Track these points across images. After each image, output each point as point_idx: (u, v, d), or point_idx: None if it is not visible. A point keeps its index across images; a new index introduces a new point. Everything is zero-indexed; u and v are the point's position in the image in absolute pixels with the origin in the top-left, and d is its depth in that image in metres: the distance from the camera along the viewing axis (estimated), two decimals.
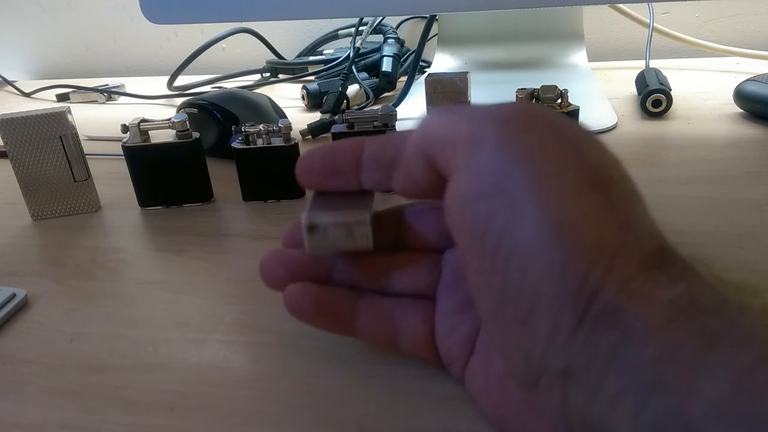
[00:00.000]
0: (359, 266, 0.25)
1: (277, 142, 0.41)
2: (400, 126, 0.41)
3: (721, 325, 0.15)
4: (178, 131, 0.41)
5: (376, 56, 0.71)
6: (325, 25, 0.88)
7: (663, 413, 0.14)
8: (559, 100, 0.39)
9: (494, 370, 0.21)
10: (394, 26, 0.78)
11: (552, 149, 0.18)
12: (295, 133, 0.43)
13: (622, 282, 0.16)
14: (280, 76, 0.81)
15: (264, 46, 0.84)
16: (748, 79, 0.54)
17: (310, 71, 0.78)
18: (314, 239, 0.23)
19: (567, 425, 0.17)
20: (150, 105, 0.76)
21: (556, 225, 0.17)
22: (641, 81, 0.60)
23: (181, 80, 0.78)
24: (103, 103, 0.80)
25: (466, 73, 0.40)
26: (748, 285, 0.17)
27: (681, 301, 0.16)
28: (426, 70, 0.73)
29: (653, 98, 0.55)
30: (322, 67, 0.76)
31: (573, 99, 0.39)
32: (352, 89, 0.65)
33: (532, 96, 0.39)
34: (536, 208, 0.17)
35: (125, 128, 0.41)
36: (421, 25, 0.65)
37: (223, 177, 0.45)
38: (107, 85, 0.83)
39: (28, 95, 0.86)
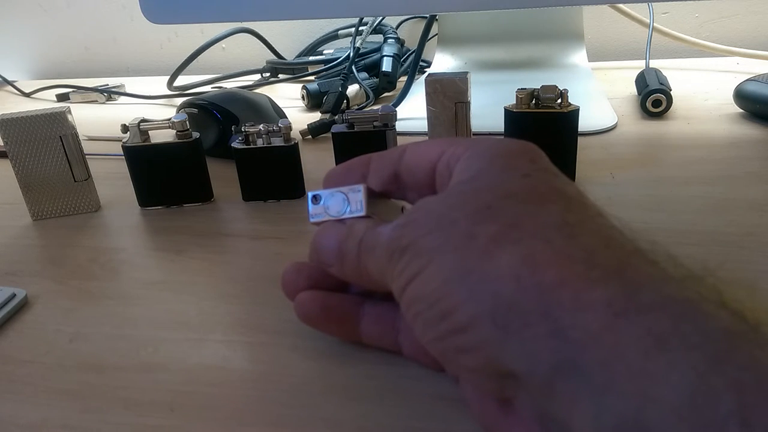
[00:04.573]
0: None
1: (277, 142, 0.41)
2: (400, 126, 0.41)
3: (669, 323, 0.15)
4: (178, 131, 0.41)
5: (376, 56, 0.71)
6: (325, 25, 0.88)
7: (621, 416, 0.14)
8: (559, 100, 0.39)
9: None
10: (394, 26, 0.78)
11: None
12: (295, 133, 0.43)
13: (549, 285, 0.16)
14: (280, 76, 0.81)
15: (264, 46, 0.84)
16: (748, 79, 0.54)
17: (310, 71, 0.78)
18: (315, 208, 0.25)
19: (545, 429, 0.17)
20: (150, 105, 0.76)
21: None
22: (641, 81, 0.60)
23: (181, 80, 0.78)
24: (103, 103, 0.80)
25: (466, 73, 0.40)
26: (692, 273, 0.17)
27: (617, 303, 0.15)
28: (426, 70, 0.73)
29: (653, 98, 0.55)
30: (322, 67, 0.76)
31: (573, 99, 0.39)
32: (352, 89, 0.65)
33: (532, 96, 0.39)
34: None
35: (125, 128, 0.41)
36: (421, 25, 0.65)
37: (223, 177, 0.45)
38: (107, 85, 0.83)
39: (28, 95, 0.86)
